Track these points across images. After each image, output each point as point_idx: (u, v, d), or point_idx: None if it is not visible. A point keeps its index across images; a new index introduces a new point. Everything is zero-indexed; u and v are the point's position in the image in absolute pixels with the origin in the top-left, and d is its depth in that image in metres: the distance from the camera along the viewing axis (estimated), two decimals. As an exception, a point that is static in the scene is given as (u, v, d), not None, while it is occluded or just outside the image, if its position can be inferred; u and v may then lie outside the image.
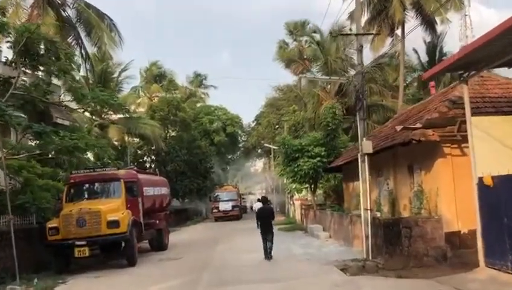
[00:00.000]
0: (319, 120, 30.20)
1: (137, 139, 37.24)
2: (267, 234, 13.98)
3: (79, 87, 14.62)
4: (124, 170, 15.95)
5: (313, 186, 24.03)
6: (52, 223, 13.56)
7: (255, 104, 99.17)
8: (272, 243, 13.97)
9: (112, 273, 12.71)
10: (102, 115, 31.51)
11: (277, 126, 52.39)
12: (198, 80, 58.57)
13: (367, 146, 12.52)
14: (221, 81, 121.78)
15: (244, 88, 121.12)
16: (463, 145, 11.97)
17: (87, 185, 14.86)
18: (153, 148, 38.18)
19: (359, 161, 12.91)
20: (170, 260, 14.98)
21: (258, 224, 14.67)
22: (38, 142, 13.75)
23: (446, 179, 12.19)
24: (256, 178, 72.91)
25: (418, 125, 12.06)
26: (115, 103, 14.85)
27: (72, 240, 13.13)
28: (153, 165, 41.08)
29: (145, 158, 41.55)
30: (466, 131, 11.19)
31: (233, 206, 40.68)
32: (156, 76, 48.32)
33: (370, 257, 12.40)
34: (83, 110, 16.46)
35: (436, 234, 12.11)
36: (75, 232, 13.18)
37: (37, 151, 13.65)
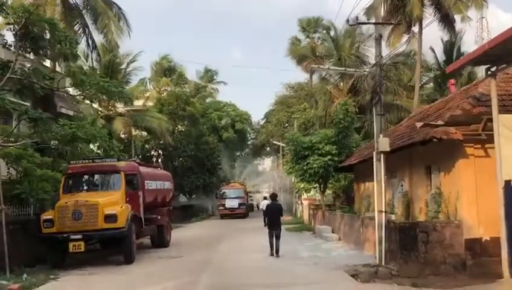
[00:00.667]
0: (331, 118, 29.35)
1: (145, 133, 36.61)
2: (275, 229, 14.20)
3: (78, 71, 13.88)
4: (124, 161, 15.22)
5: (322, 185, 23.14)
6: (46, 215, 12.88)
7: (265, 102, 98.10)
8: (279, 240, 14.13)
9: (107, 270, 11.98)
10: (109, 107, 30.95)
11: (287, 124, 51.56)
12: (209, 75, 57.80)
13: (384, 144, 11.65)
14: (231, 77, 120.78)
15: (254, 86, 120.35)
16: (487, 145, 11.07)
17: (85, 177, 14.16)
18: (161, 142, 37.52)
19: (374, 159, 12.04)
20: (170, 259, 14.23)
21: (265, 221, 14.75)
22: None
23: (468, 182, 11.28)
24: (264, 176, 72.15)
25: (440, 122, 11.16)
26: (115, 90, 14.11)
27: (67, 234, 12.43)
28: (160, 160, 40.47)
29: (152, 152, 40.94)
30: (492, 130, 10.29)
31: (239, 204, 39.89)
32: (166, 70, 47.70)
33: (383, 263, 11.54)
34: (84, 97, 15.64)
35: (456, 240, 11.23)
36: (70, 225, 12.48)
37: (31, 140, 12.90)
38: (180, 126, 42.20)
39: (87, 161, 14.19)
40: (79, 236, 12.31)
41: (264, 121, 60.27)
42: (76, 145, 14.03)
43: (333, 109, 30.74)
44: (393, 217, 13.98)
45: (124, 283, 10.31)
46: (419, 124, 11.46)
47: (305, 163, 21.41)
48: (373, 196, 19.35)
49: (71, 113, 21.74)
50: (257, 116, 66.49)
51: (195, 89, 53.54)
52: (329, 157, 21.12)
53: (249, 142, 64.49)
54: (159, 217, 16.64)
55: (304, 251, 14.94)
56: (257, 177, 75.45)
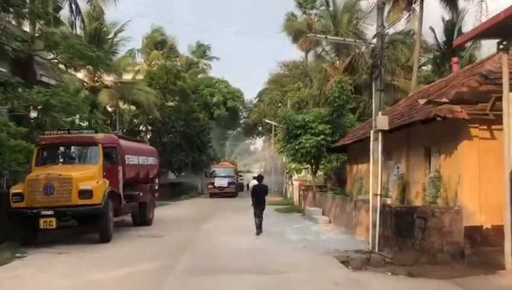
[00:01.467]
0: (325, 97, 28.42)
1: (133, 107, 35.43)
2: (260, 208, 14.76)
3: (51, 33, 12.73)
4: (103, 134, 14.21)
5: (314, 166, 22.32)
6: (16, 189, 11.91)
7: (259, 81, 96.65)
8: (262, 219, 14.69)
9: (79, 249, 11.09)
10: (95, 79, 29.72)
11: (280, 104, 50.48)
12: (201, 50, 56.26)
13: (382, 121, 10.75)
14: (224, 55, 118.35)
15: (248, 63, 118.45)
16: (494, 126, 10.23)
17: (60, 149, 13.16)
18: (149, 117, 36.34)
19: (371, 138, 11.16)
20: (150, 238, 13.39)
21: (252, 200, 15.16)
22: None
23: (470, 165, 10.47)
24: (256, 156, 71.51)
25: (444, 99, 10.27)
26: (92, 54, 13.01)
27: (37, 209, 11.49)
28: (149, 136, 39.43)
29: (141, 127, 39.84)
30: (500, 109, 9.45)
31: (229, 183, 39.16)
32: (158, 43, 46.24)
33: (376, 249, 10.78)
34: (58, 62, 14.51)
35: (455, 227, 10.48)
36: (41, 200, 11.53)
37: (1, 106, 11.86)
38: (170, 102, 41.03)
39: (62, 131, 13.16)
40: (50, 212, 11.38)
41: (257, 100, 59.21)
42: (53, 114, 12.95)
43: (328, 88, 29.81)
44: (388, 201, 13.19)
45: (93, 263, 9.43)
46: (422, 101, 10.58)
47: (297, 142, 20.54)
48: (366, 178, 18.58)
49: (53, 82, 20.56)
50: (250, 95, 65.27)
51: (187, 64, 52.16)
52: (322, 137, 20.25)
53: (241, 121, 63.48)
54: (141, 194, 15.74)
55: (292, 234, 14.17)
56: (249, 156, 75.01)
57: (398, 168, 15.17)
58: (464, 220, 10.44)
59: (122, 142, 14.42)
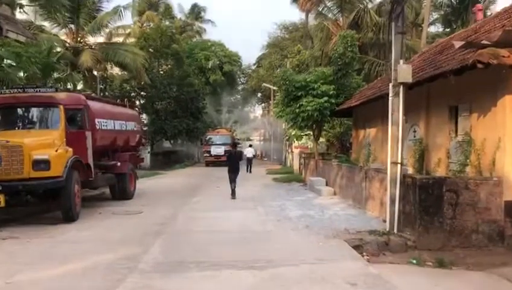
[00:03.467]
0: (328, 58, 26.07)
1: (125, 72, 32.92)
2: (235, 174, 15.32)
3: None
4: (66, 92, 12.00)
5: (316, 132, 20.18)
6: (-45, 160, 9.78)
7: (258, 46, 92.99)
8: (235, 183, 15.22)
9: (33, 232, 9.05)
10: (78, 39, 27.18)
11: (279, 68, 47.84)
12: (195, 11, 53.12)
13: (405, 72, 8.57)
14: (220, 19, 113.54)
15: (246, 29, 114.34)
16: (546, 77, 8.10)
17: (11, 110, 10.94)
18: (142, 83, 33.87)
19: (390, 94, 8.99)
20: (126, 215, 11.41)
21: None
22: None
23: (514, 126, 8.43)
24: (255, 124, 69.51)
25: (485, 42, 8.05)
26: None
27: (-20, 184, 9.42)
28: (142, 102, 37.15)
29: (132, 94, 37.41)
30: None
31: (226, 151, 37.03)
32: (150, 4, 43.24)
33: (395, 229, 8.80)
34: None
35: (493, 203, 8.53)
36: (-14, 173, 9.44)
37: None
38: (164, 66, 38.51)
39: (16, 90, 10.96)
40: (-3, 187, 9.32)
41: (255, 66, 56.52)
42: (5, 70, 10.71)
43: (331, 47, 27.40)
44: (409, 170, 11.15)
45: (38, 254, 7.39)
46: (458, 44, 8.35)
47: (298, 105, 18.33)
48: (375, 144, 16.52)
49: (22, 39, 18.24)
50: (248, 60, 62.42)
51: (181, 27, 49.26)
52: (325, 99, 18.04)
53: (240, 88, 60.97)
54: (118, 163, 13.68)
55: (292, 209, 12.16)
56: (248, 124, 73.25)
57: (415, 131, 13.09)
58: (505, 194, 8.50)
59: (92, 103, 12.21)
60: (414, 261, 7.55)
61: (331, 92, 18.19)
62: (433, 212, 8.42)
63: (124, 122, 14.46)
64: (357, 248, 7.99)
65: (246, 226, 9.62)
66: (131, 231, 9.33)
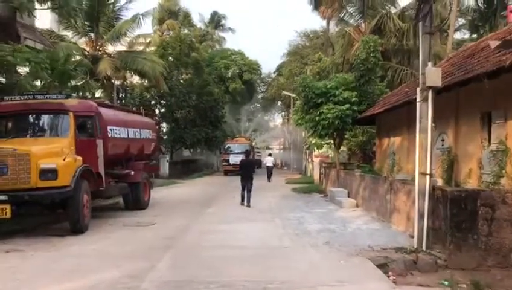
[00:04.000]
0: (349, 65, 25.40)
1: (145, 81, 32.80)
2: (247, 183, 15.19)
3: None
4: (77, 99, 11.64)
5: (337, 140, 19.46)
6: (-38, 168, 9.46)
7: (278, 54, 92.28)
8: (250, 193, 15.14)
9: (39, 244, 8.64)
10: (97, 47, 27.15)
11: (299, 76, 47.20)
12: (215, 20, 52.99)
13: (434, 75, 7.88)
14: (241, 28, 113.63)
15: (266, 37, 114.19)
16: None
17: (21, 117, 10.59)
18: (162, 91, 33.64)
19: (418, 99, 8.30)
20: (137, 227, 10.92)
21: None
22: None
23: (557, 134, 7.66)
24: (275, 133, 69.05)
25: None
26: None
27: (-14, 194, 9.05)
28: (162, 110, 37.01)
29: (152, 102, 37.27)
30: None
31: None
32: (170, 13, 43.25)
33: (424, 246, 8.06)
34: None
35: (534, 218, 7.71)
36: (-8, 182, 9.08)
37: None
38: (184, 74, 38.33)
39: (26, 97, 10.65)
40: (3, 197, 8.94)
41: (275, 74, 56.08)
42: (12, 74, 10.40)
43: (352, 54, 26.72)
44: (439, 182, 10.39)
45: (36, 269, 6.95)
46: (494, 44, 7.64)
47: (318, 112, 17.67)
48: (400, 154, 15.74)
49: (40, 46, 18.19)
50: (268, 69, 61.99)
51: (201, 35, 49.22)
52: (347, 106, 17.35)
53: (259, 96, 60.57)
54: (132, 172, 13.27)
55: (312, 222, 11.49)
56: (267, 133, 72.96)
57: (443, 140, 12.31)
58: (547, 209, 7.67)
59: (104, 110, 11.84)
60: (446, 283, 6.83)
61: (353, 99, 17.50)
62: (466, 228, 7.67)
63: (138, 130, 14.07)
64: (381, 267, 7.29)
65: (261, 241, 9.00)
66: (140, 244, 8.81)
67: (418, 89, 8.28)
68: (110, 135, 11.77)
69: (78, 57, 23.61)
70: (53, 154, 9.56)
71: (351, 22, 30.78)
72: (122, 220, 11.89)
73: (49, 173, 9.14)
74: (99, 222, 11.32)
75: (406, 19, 26.91)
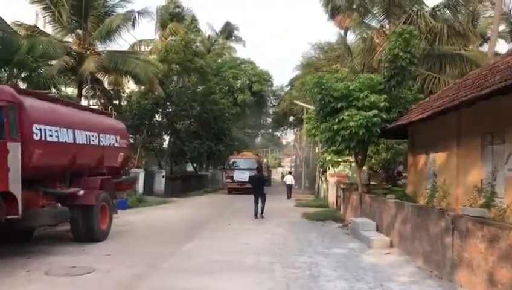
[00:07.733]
0: (370, 71, 21.75)
1: (141, 87, 29.48)
2: (259, 196, 16.28)
3: None
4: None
5: (360, 155, 15.59)
6: None
7: (290, 68, 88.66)
8: (264, 204, 16.46)
9: None
10: (85, 45, 23.84)
11: (314, 75, 43.53)
12: (228, 30, 49.79)
13: None
14: (253, 37, 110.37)
15: (278, 49, 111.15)
16: None
17: None
18: (156, 94, 30.03)
19: None
20: (63, 278, 7.13)
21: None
22: None
23: None
24: (287, 150, 65.60)
25: None
26: None
27: None
28: (160, 119, 33.64)
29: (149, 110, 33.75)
30: None
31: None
32: (173, 16, 40.12)
33: None
34: None
35: None
36: None
37: None
38: (187, 81, 34.94)
39: None
40: None
41: (288, 88, 52.64)
42: None
43: (375, 57, 23.07)
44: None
45: None
46: None
47: (337, 120, 13.86)
48: (446, 174, 11.91)
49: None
50: (280, 82, 58.66)
51: (209, 43, 46.03)
52: (374, 112, 13.54)
53: (271, 111, 57.01)
54: (81, 192, 9.60)
55: (330, 275, 7.58)
56: (279, 150, 69.58)
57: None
58: None
59: (30, 101, 8.20)
60: None
61: (381, 104, 13.73)
62: None
63: (95, 134, 10.43)
64: None
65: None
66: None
67: None
68: (37, 137, 8.13)
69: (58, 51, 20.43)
70: None
71: (372, 24, 27.09)
72: (52, 261, 8.15)
73: None
74: (17, 263, 7.64)
75: (438, 19, 23.29)
